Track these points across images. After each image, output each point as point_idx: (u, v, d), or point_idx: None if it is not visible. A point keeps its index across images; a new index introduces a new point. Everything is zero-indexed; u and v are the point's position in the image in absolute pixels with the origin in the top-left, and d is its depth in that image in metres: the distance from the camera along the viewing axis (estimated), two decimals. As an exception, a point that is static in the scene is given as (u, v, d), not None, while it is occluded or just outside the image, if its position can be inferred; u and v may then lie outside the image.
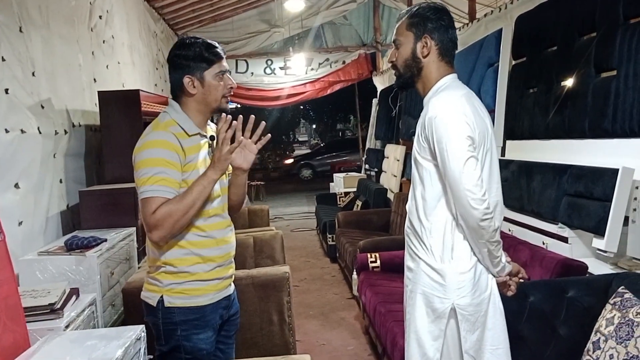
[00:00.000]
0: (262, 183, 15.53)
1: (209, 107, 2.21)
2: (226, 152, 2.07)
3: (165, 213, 2.00)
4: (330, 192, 10.46)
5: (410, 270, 2.12)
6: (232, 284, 2.41)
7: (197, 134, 2.20)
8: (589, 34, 3.44)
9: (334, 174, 11.26)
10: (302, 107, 26.00)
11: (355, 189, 8.98)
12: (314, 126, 30.69)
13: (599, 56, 3.28)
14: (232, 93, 2.25)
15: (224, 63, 2.20)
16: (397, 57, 2.14)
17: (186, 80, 2.14)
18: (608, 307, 2.30)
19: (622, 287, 2.32)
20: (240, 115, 2.16)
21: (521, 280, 2.17)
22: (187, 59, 2.14)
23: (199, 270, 2.17)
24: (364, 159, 11.03)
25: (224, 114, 2.16)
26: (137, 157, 2.09)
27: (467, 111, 1.95)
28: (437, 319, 2.01)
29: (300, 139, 32.47)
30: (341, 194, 9.08)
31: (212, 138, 2.27)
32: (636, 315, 2.11)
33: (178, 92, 2.21)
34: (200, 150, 2.19)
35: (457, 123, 1.92)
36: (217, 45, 2.19)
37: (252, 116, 2.22)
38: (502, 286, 2.09)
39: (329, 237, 7.12)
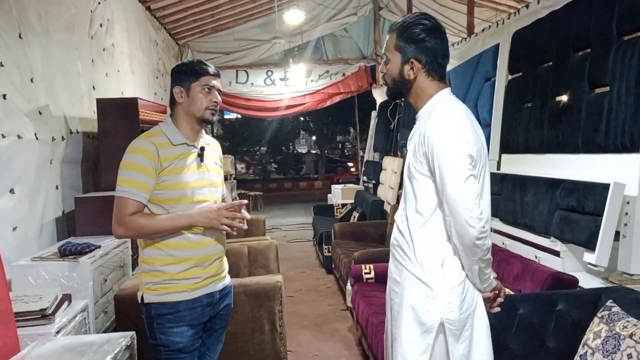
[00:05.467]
0: (260, 193, 15.56)
1: (194, 116, 2.42)
2: (220, 220, 2.32)
3: (140, 223, 2.28)
4: (328, 203, 10.47)
5: (396, 283, 2.11)
6: (224, 282, 2.55)
7: (184, 144, 2.40)
8: (584, 50, 3.47)
9: (332, 185, 11.27)
10: (302, 118, 26.07)
11: (352, 201, 8.99)
12: (313, 138, 30.72)
13: (593, 72, 3.31)
14: (217, 108, 2.46)
15: (214, 81, 2.43)
16: (387, 72, 2.15)
17: (176, 90, 2.42)
18: (596, 320, 2.31)
19: (611, 300, 2.33)
20: (246, 201, 2.50)
21: (500, 300, 2.16)
22: (181, 72, 2.43)
23: (171, 270, 2.34)
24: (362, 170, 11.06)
25: (244, 200, 2.47)
26: (121, 161, 2.34)
27: (466, 129, 1.94)
28: (424, 333, 2.00)
29: (299, 150, 32.51)
30: (338, 205, 9.09)
31: (202, 149, 2.46)
32: (623, 328, 2.12)
33: (171, 102, 2.46)
34: (183, 158, 2.38)
35: (458, 141, 1.91)
36: (209, 64, 2.45)
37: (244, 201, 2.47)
38: (486, 301, 2.09)
39: (325, 248, 7.12)
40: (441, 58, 2.07)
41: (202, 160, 2.43)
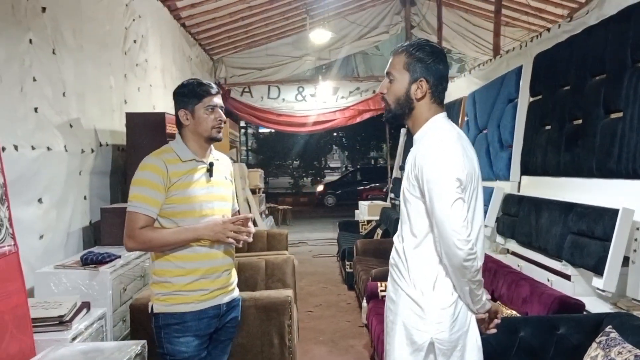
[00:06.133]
0: (289, 207, 15.66)
1: (201, 136, 2.54)
2: (225, 233, 2.43)
3: (148, 237, 2.39)
4: (355, 219, 10.50)
5: (392, 302, 2.16)
6: (232, 295, 2.66)
7: (193, 160, 2.52)
8: (600, 75, 3.48)
9: (359, 202, 11.31)
10: (335, 133, 26.18)
11: (378, 218, 9.01)
12: (346, 153, 30.80)
13: (608, 97, 3.32)
14: (222, 125, 2.55)
15: (215, 99, 2.53)
16: (389, 91, 2.16)
17: (181, 113, 2.53)
18: (594, 345, 2.32)
19: (610, 326, 2.34)
20: (252, 215, 2.63)
21: (498, 322, 2.18)
22: (183, 95, 2.53)
23: (179, 282, 2.45)
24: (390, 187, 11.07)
25: (250, 214, 2.59)
26: (133, 177, 2.47)
27: (457, 153, 1.99)
28: (415, 351, 2.04)
29: (332, 165, 32.64)
30: (364, 221, 9.12)
31: (210, 164, 2.56)
32: (617, 354, 2.13)
33: (178, 124, 2.57)
34: (191, 174, 2.50)
35: (447, 165, 1.95)
36: (207, 83, 2.54)
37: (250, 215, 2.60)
38: (480, 323, 2.12)
39: (347, 265, 7.15)
40: (445, 82, 2.12)
41: (211, 175, 2.54)
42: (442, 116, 2.12)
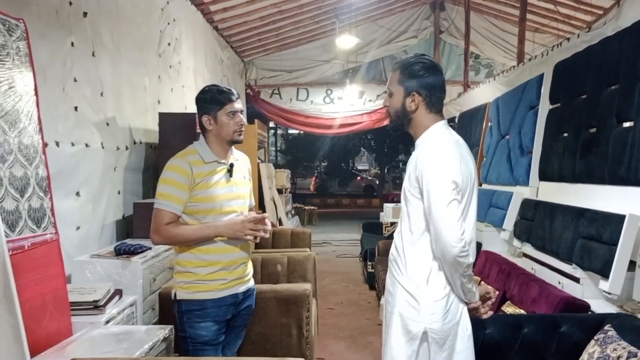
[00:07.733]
0: (314, 208, 15.82)
1: (224, 139, 2.74)
2: (244, 232, 2.65)
3: (173, 233, 2.61)
4: (380, 221, 10.63)
5: (390, 294, 2.34)
6: (247, 285, 2.86)
7: (215, 161, 2.72)
8: (614, 85, 3.58)
9: (384, 204, 11.44)
10: (363, 136, 26.27)
11: (401, 220, 9.10)
12: (374, 155, 30.88)
13: (621, 107, 3.42)
14: (242, 129, 2.75)
15: (236, 105, 2.71)
16: (390, 104, 2.37)
17: (204, 119, 2.71)
18: (592, 342, 2.45)
19: (608, 325, 2.47)
20: (267, 214, 2.81)
21: (492, 300, 2.34)
22: (205, 101, 2.71)
23: (200, 272, 2.66)
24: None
25: (266, 214, 2.78)
26: (160, 176, 2.68)
27: (454, 158, 2.16)
28: (410, 340, 2.22)
29: (359, 168, 32.75)
30: (387, 223, 9.26)
31: (231, 165, 2.77)
32: (613, 351, 2.26)
33: (201, 128, 2.76)
34: (213, 174, 2.69)
35: (444, 168, 2.13)
36: (227, 90, 2.71)
37: (266, 214, 2.79)
38: (474, 311, 2.29)
39: (369, 265, 7.31)
40: (439, 92, 2.30)
41: (231, 176, 2.74)
42: (441, 124, 2.30)
